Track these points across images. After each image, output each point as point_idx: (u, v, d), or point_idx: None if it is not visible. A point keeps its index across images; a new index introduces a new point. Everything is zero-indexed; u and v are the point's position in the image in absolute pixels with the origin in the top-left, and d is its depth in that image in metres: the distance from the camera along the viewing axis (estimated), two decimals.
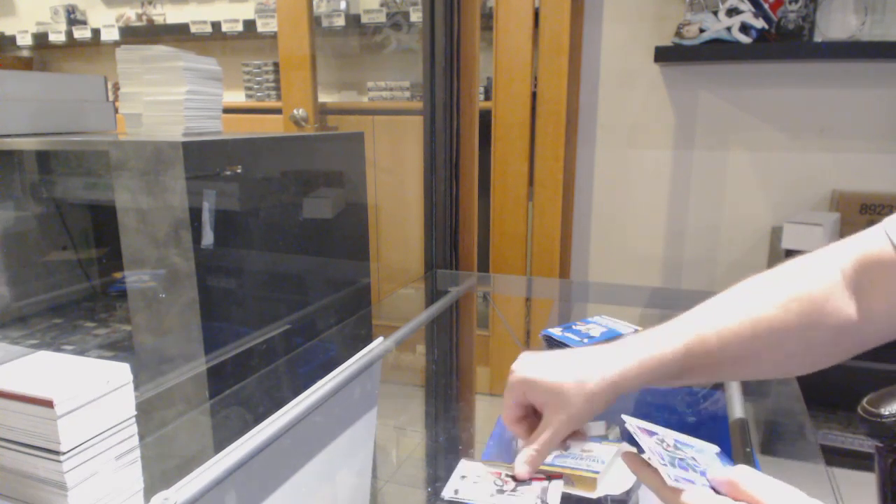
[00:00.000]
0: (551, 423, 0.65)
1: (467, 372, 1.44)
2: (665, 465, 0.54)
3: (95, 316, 1.37)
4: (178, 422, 1.00)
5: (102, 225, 1.49)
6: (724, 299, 0.67)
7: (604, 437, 0.91)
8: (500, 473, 0.73)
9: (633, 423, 0.60)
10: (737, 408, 0.88)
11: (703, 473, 0.55)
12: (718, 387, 0.99)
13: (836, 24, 1.91)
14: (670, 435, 0.63)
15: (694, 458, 0.58)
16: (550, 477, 0.72)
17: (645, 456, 0.56)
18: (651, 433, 0.60)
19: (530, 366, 0.67)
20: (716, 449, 0.65)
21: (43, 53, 3.51)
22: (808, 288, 0.63)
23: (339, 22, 2.73)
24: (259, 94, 2.99)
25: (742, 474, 0.50)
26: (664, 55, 2.01)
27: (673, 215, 2.26)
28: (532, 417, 0.69)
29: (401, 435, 1.09)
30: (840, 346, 0.64)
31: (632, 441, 0.82)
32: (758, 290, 0.66)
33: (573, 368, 0.65)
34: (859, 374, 2.01)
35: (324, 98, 2.83)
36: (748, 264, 2.20)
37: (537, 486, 0.70)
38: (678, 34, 1.98)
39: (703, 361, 0.64)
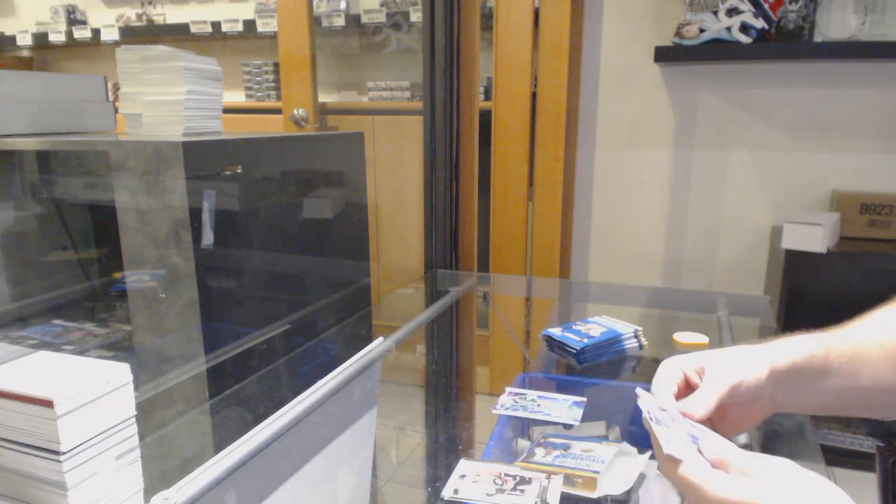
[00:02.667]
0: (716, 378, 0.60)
1: (467, 372, 1.44)
2: (664, 427, 0.52)
3: (95, 316, 1.37)
4: (178, 422, 1.00)
5: (102, 225, 1.49)
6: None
7: (604, 437, 0.91)
8: (500, 473, 0.73)
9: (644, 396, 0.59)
10: None
11: (695, 439, 0.53)
12: None
13: (836, 24, 1.91)
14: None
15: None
16: (550, 475, 0.72)
17: (644, 416, 0.55)
18: (662, 409, 0.58)
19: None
20: None
21: (43, 53, 3.51)
22: None
23: (339, 22, 2.73)
24: (259, 94, 2.99)
25: (733, 452, 0.50)
26: (664, 55, 2.01)
27: (673, 215, 2.26)
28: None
29: (401, 435, 1.09)
30: None
31: (632, 444, 0.82)
32: None
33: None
34: None
35: (324, 98, 2.83)
36: (748, 264, 2.21)
37: (537, 485, 0.70)
38: (678, 34, 1.98)
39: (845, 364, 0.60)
